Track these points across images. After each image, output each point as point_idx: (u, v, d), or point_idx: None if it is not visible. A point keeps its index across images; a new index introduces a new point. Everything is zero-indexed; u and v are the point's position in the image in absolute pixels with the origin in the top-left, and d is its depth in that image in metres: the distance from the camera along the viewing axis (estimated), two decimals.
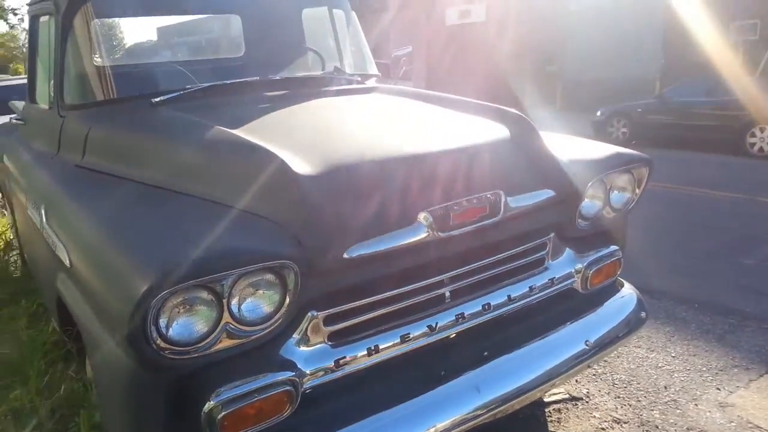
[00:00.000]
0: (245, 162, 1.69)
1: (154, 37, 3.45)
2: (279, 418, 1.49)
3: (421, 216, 1.63)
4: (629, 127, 11.73)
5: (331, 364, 1.57)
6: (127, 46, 2.89)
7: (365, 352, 1.62)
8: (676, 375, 2.78)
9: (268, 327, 1.47)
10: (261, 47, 3.34)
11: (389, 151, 1.75)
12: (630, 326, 2.18)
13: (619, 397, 2.61)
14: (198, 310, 1.37)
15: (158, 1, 2.73)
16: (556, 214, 2.01)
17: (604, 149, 2.18)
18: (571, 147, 2.18)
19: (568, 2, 18.30)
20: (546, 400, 2.57)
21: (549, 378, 1.90)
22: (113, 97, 2.38)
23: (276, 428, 1.49)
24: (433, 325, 1.74)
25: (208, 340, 1.38)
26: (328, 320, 1.58)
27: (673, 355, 2.97)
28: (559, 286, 2.04)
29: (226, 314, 1.39)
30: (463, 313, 1.80)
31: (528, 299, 1.95)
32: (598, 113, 12.27)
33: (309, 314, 1.55)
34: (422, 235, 1.63)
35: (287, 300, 1.47)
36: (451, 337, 1.80)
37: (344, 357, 1.59)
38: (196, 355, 1.38)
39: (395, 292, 1.67)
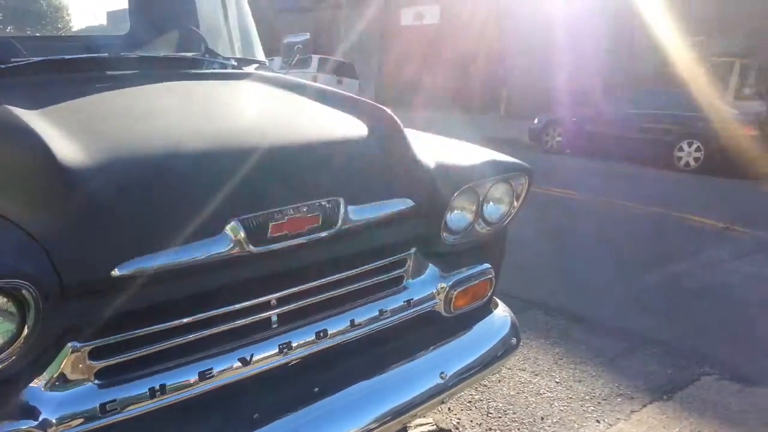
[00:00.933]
0: (10, 150, 1.33)
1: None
2: None
3: (229, 226, 1.32)
4: (564, 136, 11.84)
5: (95, 409, 1.23)
6: None
7: (146, 394, 1.29)
8: (556, 404, 2.58)
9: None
10: (146, 26, 2.96)
11: (202, 144, 1.42)
12: (497, 355, 1.95)
13: (491, 430, 2.38)
14: None
15: None
16: (417, 227, 1.74)
17: (479, 155, 1.92)
18: (444, 151, 1.91)
19: (518, 9, 18.43)
20: None
21: (390, 418, 1.62)
22: None
23: None
24: (247, 358, 1.43)
25: None
26: (96, 353, 1.24)
27: (557, 380, 2.78)
28: (418, 308, 1.77)
29: None
30: (289, 343, 1.50)
31: (377, 324, 1.67)
32: (535, 121, 12.38)
33: (69, 346, 1.21)
34: (225, 249, 1.31)
35: (26, 330, 1.13)
36: (274, 370, 1.50)
37: (114, 400, 1.25)
38: None
39: (193, 317, 1.35)
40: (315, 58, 19.07)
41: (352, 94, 2.04)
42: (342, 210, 1.48)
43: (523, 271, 4.18)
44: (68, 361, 1.21)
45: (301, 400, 1.52)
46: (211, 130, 1.54)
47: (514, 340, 2.02)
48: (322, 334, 1.55)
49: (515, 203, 1.95)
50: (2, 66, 1.88)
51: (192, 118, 1.70)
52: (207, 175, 1.36)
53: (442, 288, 1.81)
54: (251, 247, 1.33)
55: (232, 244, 1.31)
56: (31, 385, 1.19)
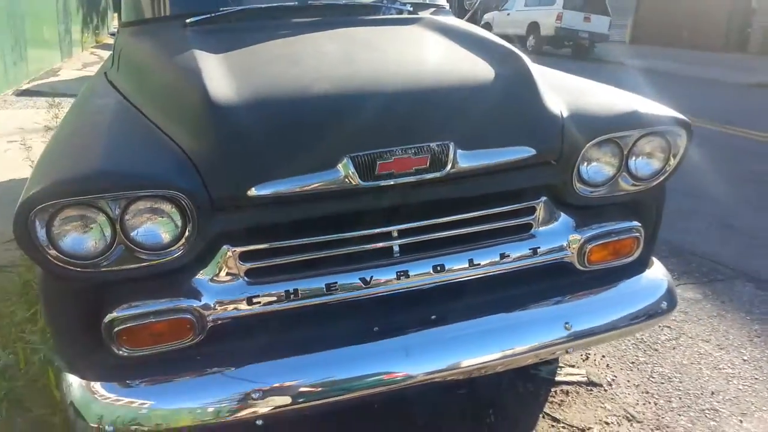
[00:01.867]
0: (183, 87, 1.68)
1: None
2: (182, 344, 1.54)
3: (341, 162, 1.51)
4: None
5: (243, 300, 1.57)
6: None
7: (283, 294, 1.59)
8: (734, 381, 2.33)
9: (169, 255, 1.48)
10: None
11: (332, 88, 1.62)
12: (638, 317, 1.85)
13: (647, 393, 2.27)
14: (91, 228, 1.42)
15: None
16: (546, 176, 1.74)
17: (624, 104, 1.80)
18: (585, 98, 1.83)
19: None
20: (558, 378, 2.33)
21: (501, 358, 1.70)
22: (152, 16, 2.49)
23: (181, 352, 1.55)
24: (367, 279, 1.64)
25: (103, 257, 1.44)
26: (245, 256, 1.56)
27: (745, 358, 2.48)
28: (545, 257, 1.79)
29: (120, 236, 1.43)
30: (406, 271, 1.67)
31: (498, 267, 1.74)
32: None
33: (224, 248, 1.55)
34: (337, 181, 1.51)
35: (187, 232, 1.47)
36: (395, 294, 1.69)
37: (257, 296, 1.57)
38: (92, 270, 1.44)
39: (322, 238, 1.59)
40: None
41: (498, 40, 2.02)
42: (451, 154, 1.56)
43: (743, 238, 3.71)
44: (224, 260, 1.55)
45: (417, 324, 1.68)
46: (345, 75, 1.72)
47: (664, 304, 1.89)
48: (439, 268, 1.68)
49: (671, 160, 1.79)
50: (212, 14, 2.28)
51: (337, 63, 1.88)
52: (330, 115, 1.56)
53: (574, 239, 1.79)
54: (360, 182, 1.51)
55: (342, 178, 1.51)
56: (197, 276, 1.55)
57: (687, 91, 10.62)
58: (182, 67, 1.77)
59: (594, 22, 17.34)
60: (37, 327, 2.32)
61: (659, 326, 2.62)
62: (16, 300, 2.55)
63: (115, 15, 2.94)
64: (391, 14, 2.54)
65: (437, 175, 1.57)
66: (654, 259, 2.01)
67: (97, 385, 1.52)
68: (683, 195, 4.20)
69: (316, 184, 1.51)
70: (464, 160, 1.59)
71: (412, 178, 1.56)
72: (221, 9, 2.34)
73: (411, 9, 2.59)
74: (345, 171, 1.51)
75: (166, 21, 2.43)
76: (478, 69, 1.79)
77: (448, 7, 2.80)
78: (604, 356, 2.47)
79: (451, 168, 1.58)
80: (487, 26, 20.81)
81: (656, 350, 2.52)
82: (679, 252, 3.42)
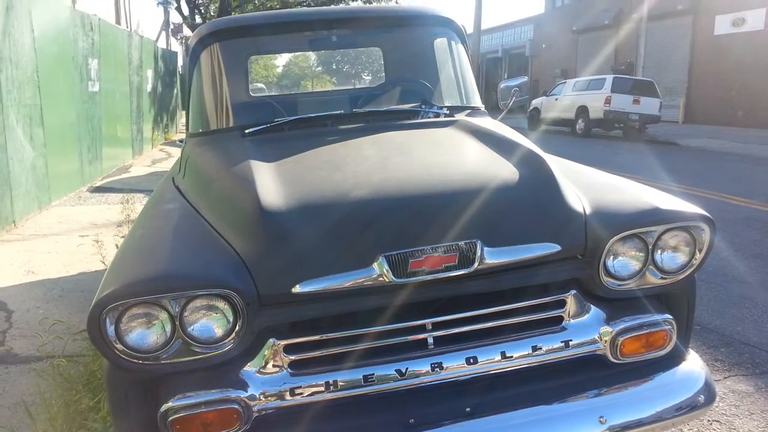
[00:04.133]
0: (238, 195, 1.88)
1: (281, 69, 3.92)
2: None
3: (376, 262, 1.65)
4: None
5: (286, 391, 1.67)
6: (255, 80, 3.29)
7: (323, 386, 1.69)
8: None
9: (221, 348, 1.63)
10: (393, 79, 3.61)
11: (365, 192, 1.78)
12: (676, 410, 1.85)
13: None
14: (153, 324, 1.59)
15: (277, 43, 3.06)
16: (571, 270, 1.82)
17: (646, 199, 1.89)
18: (608, 194, 1.94)
19: None
20: None
21: None
22: (216, 128, 2.78)
23: None
24: (403, 371, 1.73)
25: (162, 351, 1.60)
26: (289, 349, 1.69)
27: None
28: (577, 350, 1.83)
29: (179, 331, 1.59)
30: (440, 363, 1.75)
31: (530, 359, 1.80)
32: None
33: (270, 341, 1.68)
34: (373, 279, 1.64)
35: (237, 327, 1.62)
36: (430, 385, 1.76)
37: (300, 386, 1.68)
38: (153, 363, 1.60)
39: (360, 331, 1.71)
40: (609, 78, 18.35)
41: (524, 142, 2.17)
42: (479, 251, 1.68)
43: None
44: (270, 352, 1.68)
45: (452, 416, 1.74)
46: (380, 180, 1.88)
47: (701, 398, 1.89)
48: (472, 360, 1.75)
49: (698, 254, 1.85)
50: (267, 125, 2.53)
51: (374, 168, 2.04)
52: (366, 219, 1.72)
53: (606, 332, 1.83)
54: (393, 278, 1.64)
55: (377, 275, 1.64)
56: (245, 368, 1.68)
57: (740, 170, 10.45)
58: (238, 176, 1.98)
59: (644, 104, 17.52)
60: (98, 415, 2.47)
61: (708, 421, 2.55)
62: (81, 388, 2.73)
63: (184, 113, 3.28)
64: (429, 117, 2.75)
65: (466, 271, 1.69)
66: (691, 351, 2.02)
67: None
68: (733, 281, 4.11)
69: (354, 281, 1.64)
70: (491, 256, 1.70)
71: (442, 275, 1.68)
72: (275, 120, 2.61)
73: (447, 112, 2.79)
74: (380, 269, 1.64)
75: (227, 132, 2.70)
76: (503, 171, 1.93)
77: (483, 108, 2.99)
78: None
79: (478, 264, 1.69)
80: (536, 111, 21.32)
81: None
82: (730, 342, 3.33)
